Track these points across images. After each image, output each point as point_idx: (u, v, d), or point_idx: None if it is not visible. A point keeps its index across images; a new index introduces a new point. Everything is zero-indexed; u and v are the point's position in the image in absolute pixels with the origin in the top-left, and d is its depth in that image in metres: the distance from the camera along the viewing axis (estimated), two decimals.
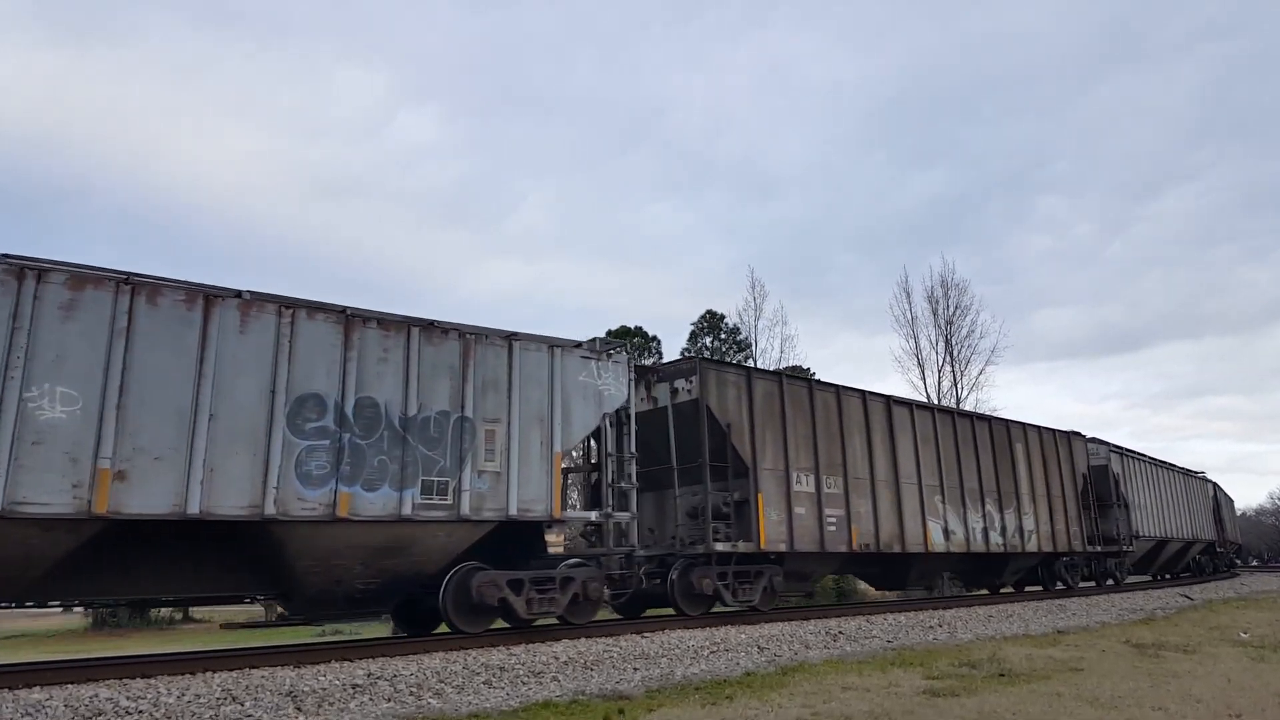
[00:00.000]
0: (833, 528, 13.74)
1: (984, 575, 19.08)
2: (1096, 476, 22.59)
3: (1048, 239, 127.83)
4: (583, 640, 10.07)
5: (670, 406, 12.88)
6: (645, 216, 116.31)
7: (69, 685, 6.90)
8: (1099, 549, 21.58)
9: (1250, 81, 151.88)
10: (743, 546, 12.51)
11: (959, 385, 37.68)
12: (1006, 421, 19.29)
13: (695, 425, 12.65)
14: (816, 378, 15.39)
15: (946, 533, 16.14)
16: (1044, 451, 19.98)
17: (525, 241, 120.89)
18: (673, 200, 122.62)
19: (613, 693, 7.27)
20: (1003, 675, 8.21)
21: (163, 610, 35.25)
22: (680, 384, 12.86)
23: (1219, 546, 34.73)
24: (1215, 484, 36.02)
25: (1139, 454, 26.02)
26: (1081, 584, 21.53)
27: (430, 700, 6.96)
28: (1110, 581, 22.79)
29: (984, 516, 17.19)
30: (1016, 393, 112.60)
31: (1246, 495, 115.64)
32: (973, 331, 38.27)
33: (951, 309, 38.86)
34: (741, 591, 12.59)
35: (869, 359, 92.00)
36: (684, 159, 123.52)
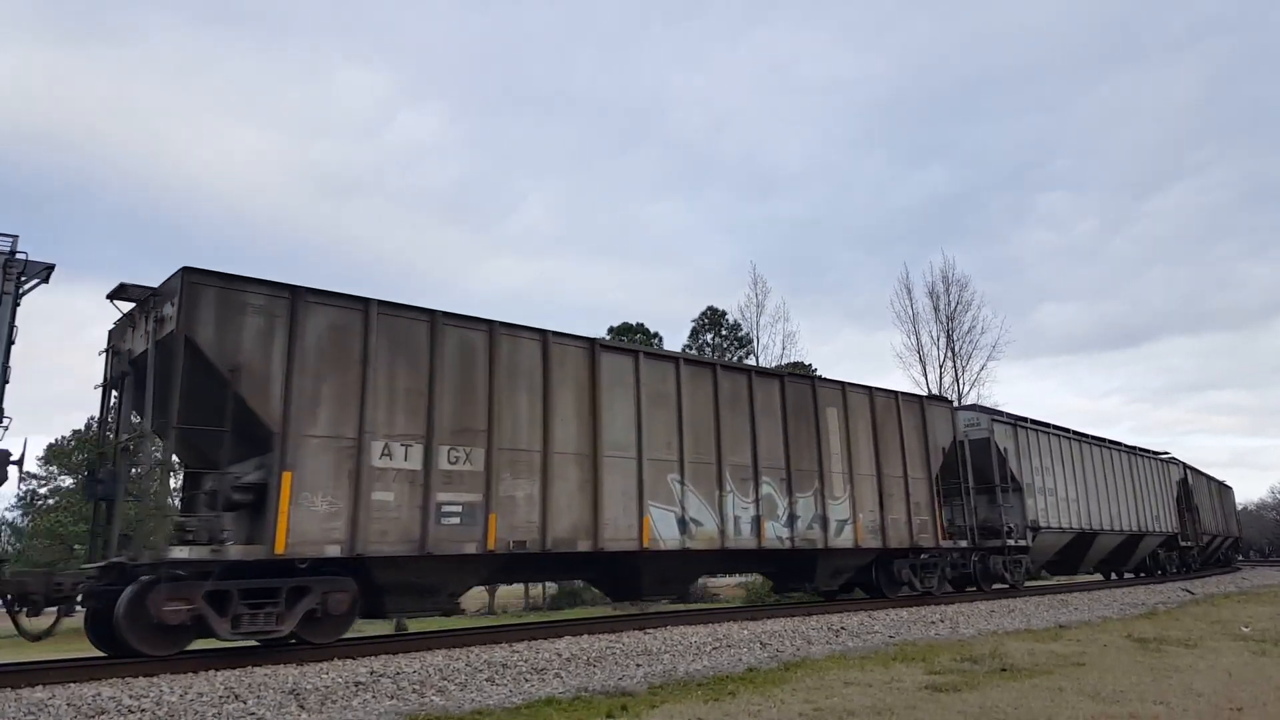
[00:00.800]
0: (452, 520, 9.50)
1: (791, 578, 14.83)
2: (976, 453, 18.00)
3: (1050, 235, 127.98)
4: (585, 637, 10.11)
5: (153, 344, 8.67)
6: (646, 215, 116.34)
7: (71, 684, 6.91)
8: (969, 544, 16.94)
9: (1252, 77, 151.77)
10: (236, 551, 8.20)
11: (960, 380, 37.74)
12: (811, 379, 14.66)
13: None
14: (447, 310, 10.21)
15: (684, 524, 11.68)
16: (875, 420, 15.09)
17: (526, 240, 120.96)
18: (674, 198, 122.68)
19: (615, 689, 7.28)
20: (1004, 670, 8.22)
21: None
22: (168, 310, 8.66)
23: (1183, 540, 28.49)
24: (1186, 466, 30.41)
25: (1047, 426, 21.07)
26: (947, 589, 16.87)
27: (433, 697, 6.97)
28: (1000, 585, 18.08)
29: (758, 503, 12.73)
30: (1019, 388, 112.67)
31: (1249, 490, 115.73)
32: (974, 327, 38.42)
33: (953, 304, 38.99)
34: (253, 619, 8.33)
35: (871, 355, 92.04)
36: (685, 157, 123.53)
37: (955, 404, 18.38)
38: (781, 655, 9.49)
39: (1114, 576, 26.59)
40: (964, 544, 16.79)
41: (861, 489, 14.63)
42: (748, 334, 38.31)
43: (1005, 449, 18.47)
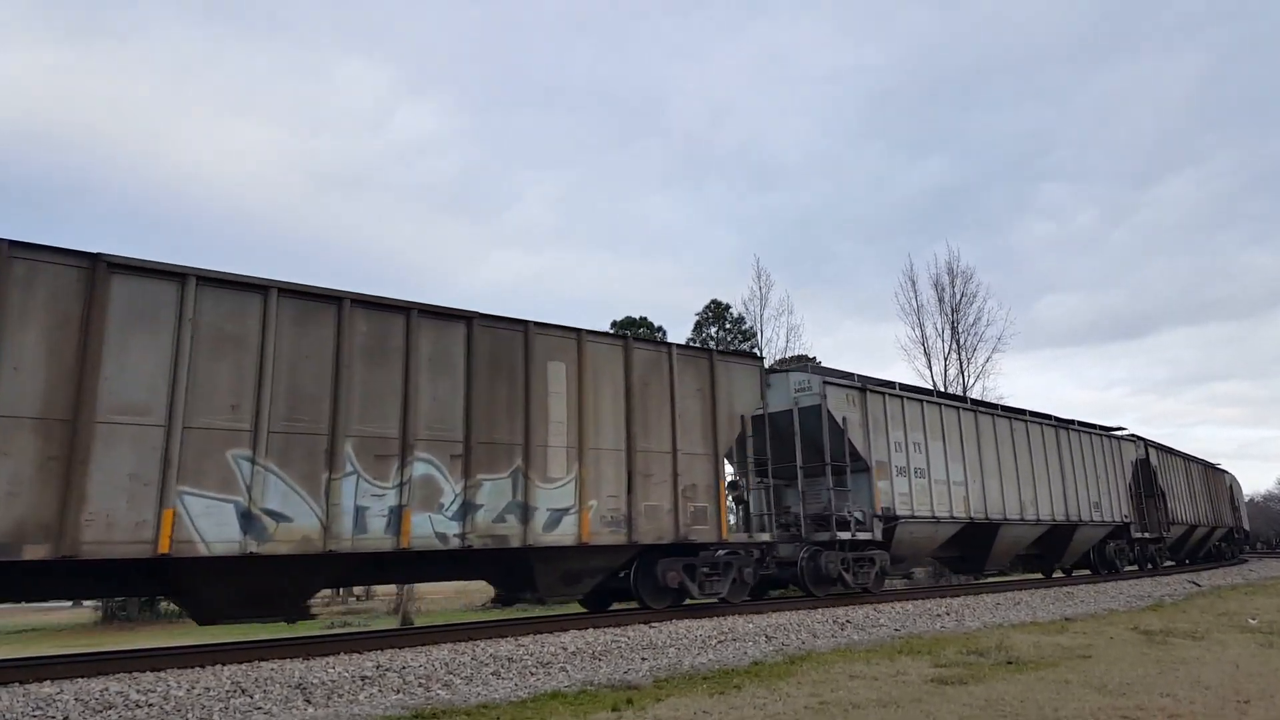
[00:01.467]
0: None
1: (512, 586, 11.43)
2: (807, 425, 14.82)
3: (1050, 226, 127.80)
4: (590, 631, 10.12)
5: None
6: (647, 206, 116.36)
7: (79, 679, 6.94)
8: (774, 538, 13.76)
9: (1252, 65, 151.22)
10: None
11: (965, 373, 37.63)
12: (525, 324, 10.69)
13: None
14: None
15: (251, 518, 8.29)
16: (631, 379, 11.49)
17: (527, 233, 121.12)
18: (675, 190, 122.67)
19: (621, 683, 7.29)
20: (1010, 663, 8.21)
21: (172, 604, 35.60)
22: None
23: (1141, 530, 24.05)
24: (1149, 444, 25.85)
25: (920, 391, 17.11)
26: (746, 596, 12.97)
27: (439, 691, 6.99)
28: (841, 588, 14.30)
29: (404, 488, 9.28)
30: (1023, 380, 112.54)
31: (1255, 481, 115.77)
32: (979, 319, 38.19)
33: (957, 296, 38.80)
34: None
35: (874, 347, 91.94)
36: (685, 149, 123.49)
37: (769, 363, 14.54)
38: (786, 649, 9.49)
39: (1058, 574, 23.05)
40: (765, 537, 13.36)
41: (598, 469, 11.04)
42: (752, 327, 38.30)
43: (845, 419, 14.71)
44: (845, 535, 14.19)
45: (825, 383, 14.88)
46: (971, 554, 18.22)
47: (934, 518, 16.01)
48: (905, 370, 60.00)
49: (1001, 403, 20.02)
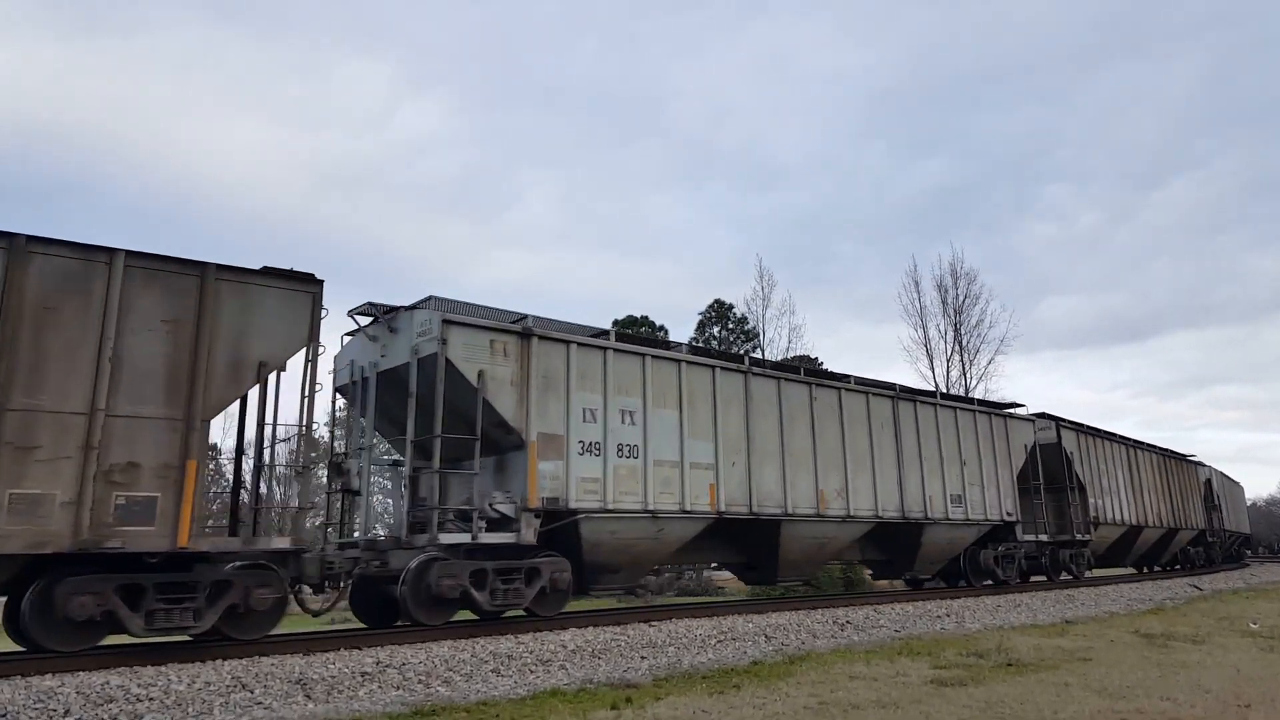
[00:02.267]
0: None
1: None
2: (430, 382, 10.28)
3: (1053, 227, 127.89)
4: (590, 629, 10.13)
5: None
6: (648, 207, 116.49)
7: (80, 673, 6.95)
8: (307, 541, 9.07)
9: (1255, 68, 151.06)
10: None
11: (968, 374, 37.55)
12: None
13: None
14: None
15: None
16: (15, 301, 7.55)
17: (528, 232, 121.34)
18: (676, 190, 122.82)
19: (620, 681, 7.30)
20: (1010, 665, 8.20)
21: None
22: None
23: (1037, 531, 18.81)
24: (1062, 423, 20.70)
25: (637, 342, 12.55)
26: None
27: (439, 688, 7.00)
28: (478, 614, 10.50)
29: None
30: (1024, 382, 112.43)
31: (1258, 485, 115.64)
32: (982, 321, 38.08)
33: (960, 298, 38.69)
34: None
35: (875, 348, 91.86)
36: (687, 149, 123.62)
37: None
38: (786, 649, 9.49)
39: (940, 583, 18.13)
40: (283, 543, 8.55)
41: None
42: (754, 327, 38.27)
43: (483, 373, 10.36)
44: (460, 538, 10.02)
45: (447, 322, 10.34)
46: (756, 558, 13.90)
47: (649, 512, 11.46)
48: (907, 371, 59.94)
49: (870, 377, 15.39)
